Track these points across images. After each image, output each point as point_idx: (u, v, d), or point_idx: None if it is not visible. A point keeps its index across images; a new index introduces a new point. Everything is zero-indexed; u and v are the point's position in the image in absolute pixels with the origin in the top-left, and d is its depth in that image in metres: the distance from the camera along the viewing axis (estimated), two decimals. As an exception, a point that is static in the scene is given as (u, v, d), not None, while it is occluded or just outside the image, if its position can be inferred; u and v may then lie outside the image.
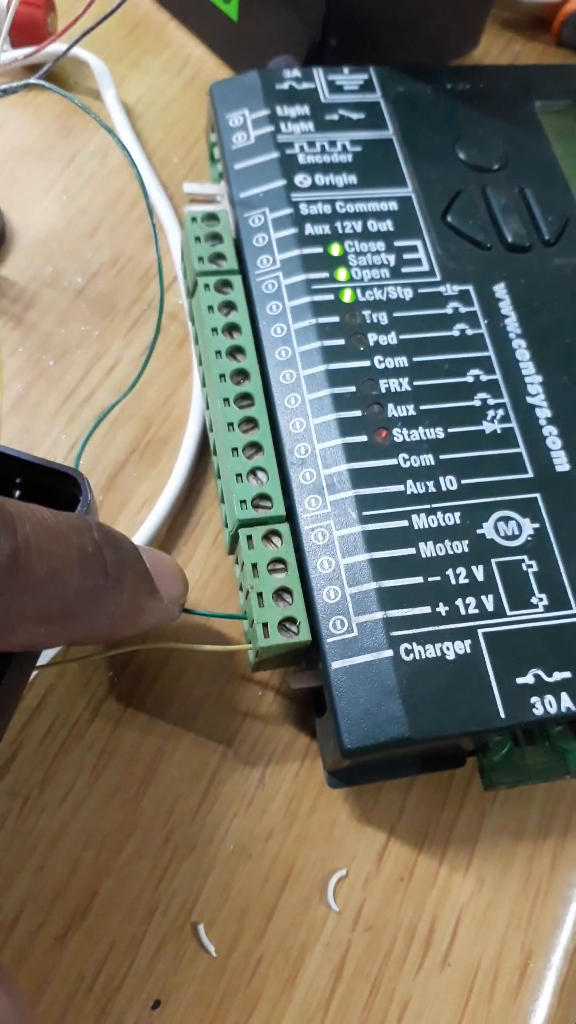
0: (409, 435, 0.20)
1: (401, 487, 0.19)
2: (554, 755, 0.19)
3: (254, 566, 0.19)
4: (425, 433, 0.20)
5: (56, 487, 0.18)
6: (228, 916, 0.18)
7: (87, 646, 0.20)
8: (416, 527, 0.19)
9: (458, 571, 0.18)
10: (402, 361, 0.21)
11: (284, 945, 0.18)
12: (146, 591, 0.16)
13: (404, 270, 0.22)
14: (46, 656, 0.19)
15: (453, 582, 0.18)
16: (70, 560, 0.14)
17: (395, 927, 0.19)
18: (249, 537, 0.19)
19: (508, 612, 0.18)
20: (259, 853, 0.19)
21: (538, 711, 0.17)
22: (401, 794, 0.20)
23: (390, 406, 0.20)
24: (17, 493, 0.19)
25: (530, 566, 0.19)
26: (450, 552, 0.19)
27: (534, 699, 0.17)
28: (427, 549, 0.19)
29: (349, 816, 0.19)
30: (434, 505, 0.19)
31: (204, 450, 0.23)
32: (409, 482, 0.19)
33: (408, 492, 0.19)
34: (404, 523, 0.19)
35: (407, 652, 0.18)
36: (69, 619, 0.14)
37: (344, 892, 0.19)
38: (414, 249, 0.22)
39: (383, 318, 0.21)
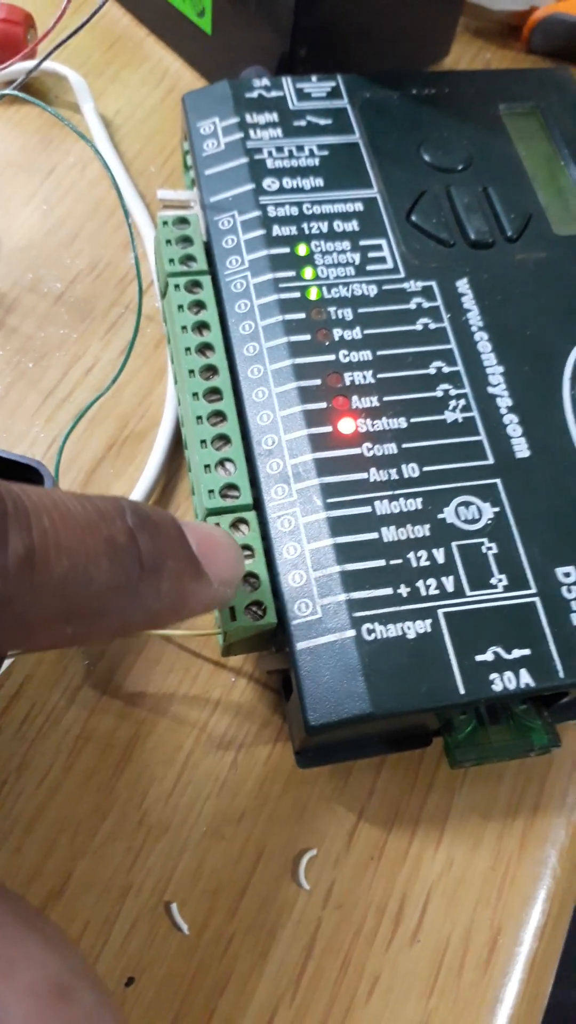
0: (373, 425, 0.21)
1: (364, 475, 0.20)
2: (518, 733, 0.19)
3: (222, 553, 0.19)
4: (388, 423, 0.21)
5: (22, 479, 0.18)
6: (201, 895, 0.19)
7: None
8: (379, 513, 0.19)
9: (419, 554, 0.19)
10: (367, 355, 0.21)
11: (256, 923, 0.18)
12: (190, 577, 0.15)
13: (369, 268, 0.23)
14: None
15: (414, 564, 0.19)
16: (97, 554, 0.13)
17: (365, 905, 0.19)
18: (217, 525, 0.19)
19: (468, 592, 0.19)
20: (231, 834, 0.19)
21: (497, 687, 0.18)
22: (371, 775, 0.20)
23: (354, 398, 0.21)
24: None
25: (490, 548, 0.19)
26: (412, 536, 0.19)
27: (493, 675, 0.18)
28: (389, 534, 0.19)
29: (320, 797, 0.20)
30: (396, 492, 0.20)
31: (178, 447, 0.24)
32: (372, 470, 0.20)
33: (371, 480, 0.20)
34: (367, 509, 0.19)
35: (369, 632, 0.18)
36: (99, 616, 0.14)
37: (315, 871, 0.19)
38: (379, 248, 0.23)
39: (348, 314, 0.22)
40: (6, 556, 0.12)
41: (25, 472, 0.18)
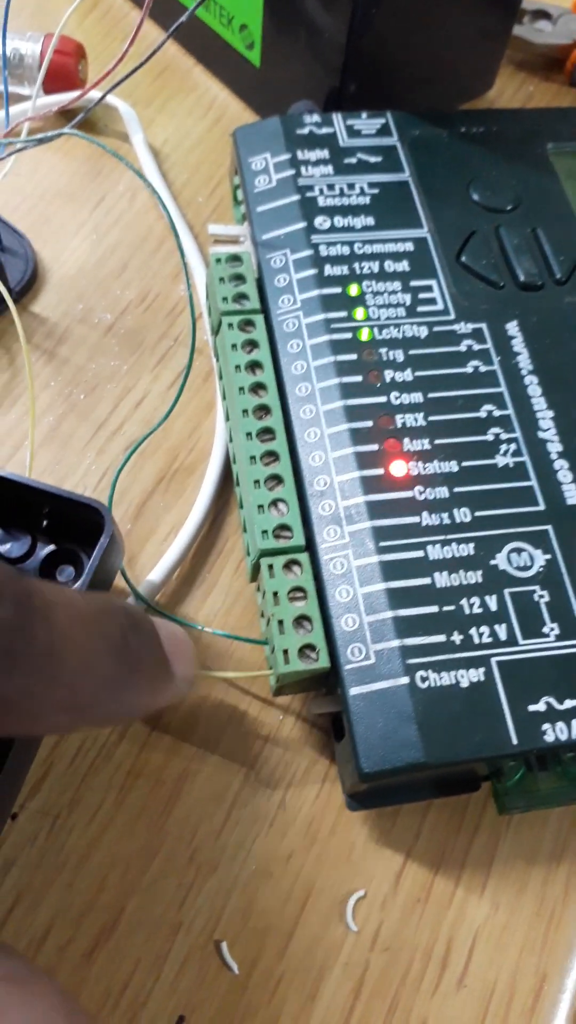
0: (424, 468, 0.21)
1: (416, 519, 0.20)
2: (567, 780, 0.19)
3: (275, 594, 0.19)
4: (440, 466, 0.21)
5: (82, 517, 0.19)
6: (250, 935, 0.19)
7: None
8: (431, 558, 0.20)
9: (472, 601, 0.19)
10: (417, 397, 0.22)
11: (304, 964, 0.19)
12: (162, 676, 0.16)
13: (420, 309, 0.23)
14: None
15: (467, 611, 0.19)
16: (100, 651, 0.14)
17: (412, 948, 0.19)
18: (270, 566, 0.20)
19: (520, 641, 0.19)
20: (280, 873, 0.19)
21: (549, 738, 0.18)
22: (418, 818, 0.20)
23: (406, 440, 0.21)
24: (44, 522, 0.20)
25: (542, 596, 0.19)
26: (464, 582, 0.19)
27: (545, 726, 0.18)
28: (442, 579, 0.19)
29: (367, 838, 0.20)
30: (448, 536, 0.20)
31: (228, 480, 0.24)
32: (424, 514, 0.20)
33: (423, 524, 0.20)
34: (420, 554, 0.20)
35: (423, 679, 0.18)
36: (91, 707, 0.14)
37: (362, 913, 0.19)
38: (429, 289, 0.23)
39: (399, 355, 0.22)
40: (33, 648, 0.13)
41: (87, 512, 0.18)
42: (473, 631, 0.19)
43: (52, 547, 0.20)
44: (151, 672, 0.16)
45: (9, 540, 0.20)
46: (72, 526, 0.20)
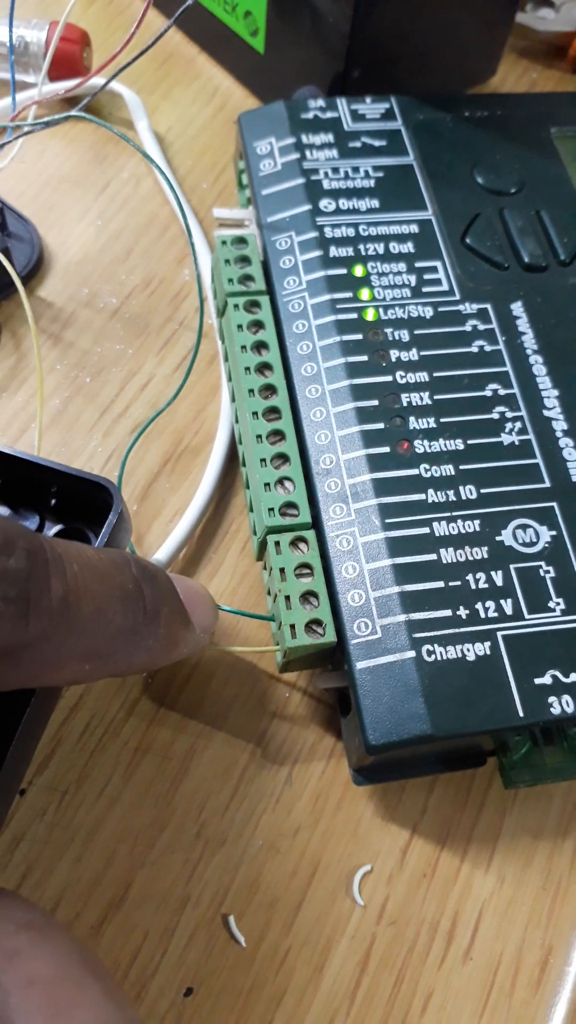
0: (430, 446, 0.21)
1: (422, 496, 0.20)
2: (572, 755, 0.19)
3: (282, 570, 0.19)
4: (445, 444, 0.21)
5: (90, 496, 0.19)
6: (257, 908, 0.19)
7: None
8: (437, 534, 0.20)
9: (478, 576, 0.19)
10: (423, 376, 0.22)
11: (311, 937, 0.19)
12: (180, 623, 0.17)
13: (425, 290, 0.23)
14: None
15: (473, 586, 0.19)
16: (113, 599, 0.15)
17: (418, 922, 0.19)
18: (277, 543, 0.20)
19: (526, 616, 0.19)
20: (287, 848, 0.20)
21: (555, 710, 0.18)
22: (424, 793, 0.20)
23: (412, 419, 0.21)
24: (53, 501, 0.20)
25: (547, 571, 0.19)
26: (470, 558, 0.19)
27: (552, 699, 0.18)
28: (448, 555, 0.19)
29: (374, 814, 0.20)
30: (454, 513, 0.20)
31: (233, 462, 0.24)
32: (430, 491, 0.20)
33: (429, 500, 0.20)
34: (425, 530, 0.20)
35: (429, 653, 0.18)
36: (111, 655, 0.15)
37: (369, 887, 0.19)
38: (434, 270, 0.23)
39: (405, 335, 0.22)
40: (49, 598, 0.13)
41: (95, 490, 0.18)
42: (479, 606, 0.19)
43: (60, 526, 0.20)
44: (169, 620, 0.16)
45: (17, 519, 0.20)
46: (80, 505, 0.20)
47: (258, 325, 0.22)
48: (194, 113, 0.31)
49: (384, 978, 0.19)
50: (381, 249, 0.24)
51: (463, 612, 0.19)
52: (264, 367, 0.22)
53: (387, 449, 0.21)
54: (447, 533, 0.20)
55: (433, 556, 0.19)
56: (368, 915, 0.19)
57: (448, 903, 0.19)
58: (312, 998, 0.18)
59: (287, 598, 0.19)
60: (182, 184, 0.29)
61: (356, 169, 0.25)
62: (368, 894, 0.19)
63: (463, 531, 0.20)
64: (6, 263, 0.24)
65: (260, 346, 0.22)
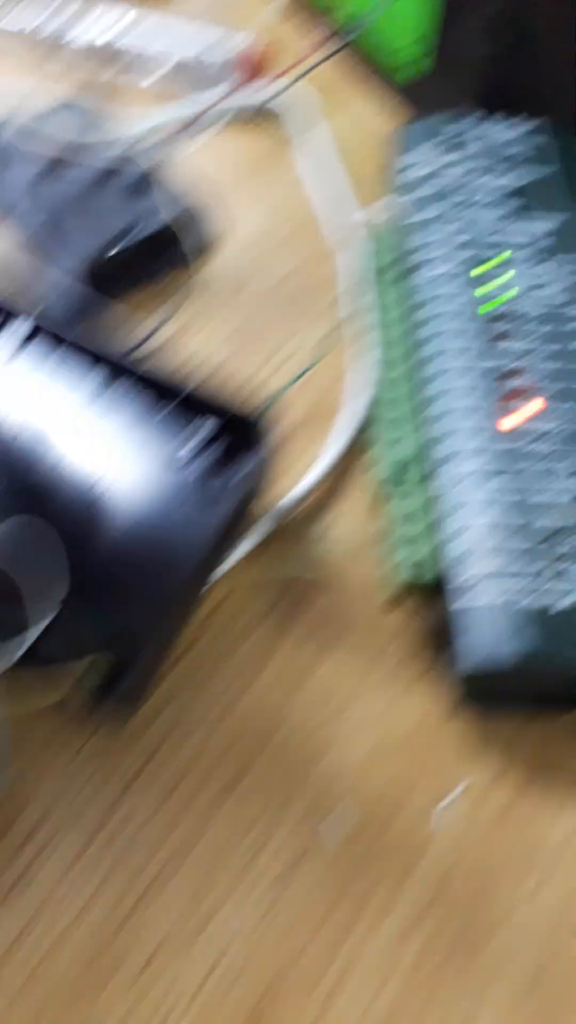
0: (543, 424, 0.23)
1: (528, 464, 0.22)
2: None
3: (398, 516, 0.22)
4: (558, 426, 0.23)
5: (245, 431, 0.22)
6: (357, 810, 0.21)
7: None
8: (540, 502, 0.22)
9: (572, 539, 0.21)
10: (549, 360, 0.24)
11: (394, 852, 0.21)
12: None
13: (561, 281, 0.25)
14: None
15: (567, 549, 0.21)
16: None
17: (503, 848, 0.21)
18: (397, 492, 0.22)
19: None
20: (388, 762, 0.22)
21: None
22: (519, 730, 0.22)
23: (529, 396, 0.23)
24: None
25: None
26: (567, 524, 0.21)
27: None
28: (545, 520, 0.21)
29: (468, 744, 0.22)
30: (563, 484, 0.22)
31: (366, 426, 0.27)
32: (543, 461, 0.22)
33: (541, 469, 0.22)
34: (538, 497, 0.22)
35: (524, 597, 0.20)
36: None
37: (456, 810, 0.21)
38: (573, 261, 0.26)
39: (535, 315, 0.24)
40: None
41: (246, 426, 0.21)
42: (572, 565, 0.21)
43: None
44: None
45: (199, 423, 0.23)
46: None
47: (401, 303, 0.25)
48: (359, 122, 0.34)
49: (464, 897, 0.20)
50: (523, 240, 0.26)
51: (560, 567, 0.21)
52: (403, 337, 0.24)
53: (503, 420, 0.23)
54: (546, 501, 0.22)
55: (532, 518, 0.21)
56: (453, 837, 0.21)
57: (529, 835, 0.21)
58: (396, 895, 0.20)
59: (400, 539, 0.21)
60: (338, 183, 0.32)
61: (501, 176, 0.27)
62: (455, 817, 0.21)
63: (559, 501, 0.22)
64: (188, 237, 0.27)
65: (402, 320, 0.25)
